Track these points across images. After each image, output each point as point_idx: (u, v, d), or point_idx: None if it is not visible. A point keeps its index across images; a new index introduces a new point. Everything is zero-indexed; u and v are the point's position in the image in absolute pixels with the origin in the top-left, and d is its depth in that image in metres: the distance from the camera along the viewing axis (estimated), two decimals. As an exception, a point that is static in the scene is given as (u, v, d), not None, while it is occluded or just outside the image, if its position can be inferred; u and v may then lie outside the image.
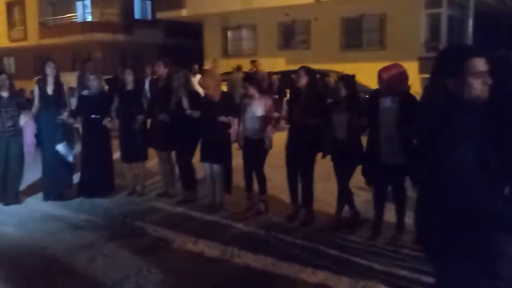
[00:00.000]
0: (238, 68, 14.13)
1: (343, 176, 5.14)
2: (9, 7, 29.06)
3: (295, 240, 4.90)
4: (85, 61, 10.92)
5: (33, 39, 27.65)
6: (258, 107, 5.55)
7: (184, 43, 24.10)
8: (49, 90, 6.34)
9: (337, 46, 17.51)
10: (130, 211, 5.99)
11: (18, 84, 7.60)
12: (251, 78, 6.01)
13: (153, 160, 6.91)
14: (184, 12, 20.08)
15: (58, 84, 6.41)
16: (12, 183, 6.31)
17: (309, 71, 5.33)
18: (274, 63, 16.60)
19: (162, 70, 6.23)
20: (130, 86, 6.42)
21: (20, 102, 6.33)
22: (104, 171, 6.54)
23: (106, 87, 9.21)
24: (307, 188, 5.41)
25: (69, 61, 22.71)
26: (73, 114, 6.45)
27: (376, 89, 4.92)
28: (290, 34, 18.94)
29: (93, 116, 6.32)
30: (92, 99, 6.43)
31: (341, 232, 5.04)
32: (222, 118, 5.59)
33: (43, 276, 4.25)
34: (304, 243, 4.81)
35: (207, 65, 19.43)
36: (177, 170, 6.49)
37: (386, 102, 4.68)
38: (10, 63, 30.16)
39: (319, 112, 5.12)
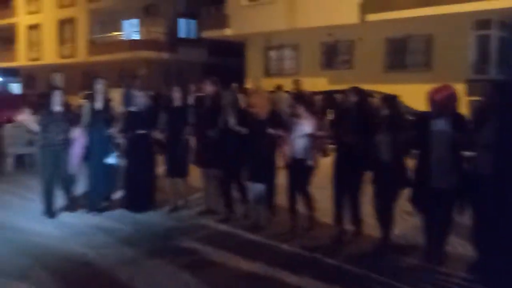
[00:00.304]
0: (279, 88, 14.11)
1: (387, 199, 4.97)
2: (61, 25, 30.29)
3: (340, 263, 4.77)
4: (132, 78, 11.14)
5: (82, 56, 28.64)
6: (305, 127, 5.49)
7: (227, 61, 24.43)
8: (98, 106, 6.49)
9: (381, 66, 17.27)
10: (173, 227, 5.98)
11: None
12: (300, 97, 5.97)
13: (195, 176, 6.91)
14: (228, 32, 20.34)
15: (106, 100, 6.56)
16: (66, 194, 6.53)
17: (359, 92, 5.26)
18: (316, 83, 16.53)
19: (209, 88, 6.25)
20: (177, 102, 6.49)
21: (71, 117, 6.49)
22: (147, 186, 6.59)
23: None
24: (355, 209, 5.30)
25: (116, 77, 23.35)
26: (121, 129, 6.55)
27: (426, 111, 4.77)
28: (333, 54, 18.84)
29: (139, 131, 6.39)
30: (139, 115, 6.51)
31: (387, 257, 4.85)
32: (271, 131, 5.54)
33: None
34: (350, 266, 4.68)
35: (248, 84, 19.55)
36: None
37: (438, 124, 4.54)
38: (59, 79, 31.30)
39: (367, 133, 5.01)
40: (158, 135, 6.46)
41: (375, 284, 4.26)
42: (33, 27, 32.07)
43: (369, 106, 5.32)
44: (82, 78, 27.98)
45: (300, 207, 5.76)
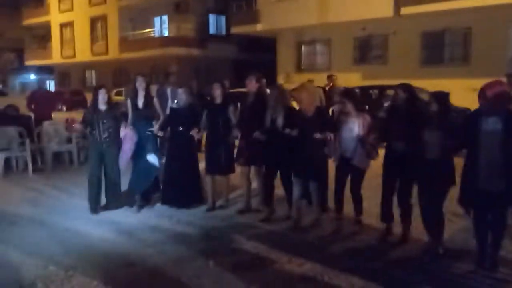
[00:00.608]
0: (310, 83, 13.94)
1: (435, 200, 4.79)
2: (93, 23, 30.77)
3: (388, 266, 4.64)
4: (166, 75, 11.17)
5: (113, 53, 29.03)
6: (354, 125, 5.32)
7: (257, 57, 24.35)
8: (140, 103, 6.50)
9: (416, 61, 16.90)
10: (214, 226, 5.90)
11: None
12: (350, 93, 5.78)
13: (233, 174, 6.84)
14: (259, 27, 20.25)
15: (148, 97, 6.55)
16: (111, 191, 6.53)
17: (408, 88, 5.07)
18: (349, 79, 16.31)
19: (253, 85, 6.13)
20: (218, 100, 6.40)
21: (116, 114, 6.49)
22: (190, 183, 6.54)
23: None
24: (407, 207, 5.15)
25: (147, 74, 23.54)
26: (162, 126, 6.52)
27: (477, 108, 4.57)
28: (366, 49, 18.54)
29: (180, 128, 6.36)
30: (180, 112, 6.47)
31: (436, 262, 4.68)
32: (318, 135, 5.37)
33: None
34: (398, 270, 4.53)
35: (279, 80, 19.43)
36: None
37: (490, 122, 4.31)
38: (91, 76, 31.87)
39: (417, 131, 4.83)
40: (196, 134, 6.37)
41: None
42: (66, 25, 32.71)
43: (418, 103, 5.11)
44: (113, 75, 28.42)
45: (347, 207, 5.63)
